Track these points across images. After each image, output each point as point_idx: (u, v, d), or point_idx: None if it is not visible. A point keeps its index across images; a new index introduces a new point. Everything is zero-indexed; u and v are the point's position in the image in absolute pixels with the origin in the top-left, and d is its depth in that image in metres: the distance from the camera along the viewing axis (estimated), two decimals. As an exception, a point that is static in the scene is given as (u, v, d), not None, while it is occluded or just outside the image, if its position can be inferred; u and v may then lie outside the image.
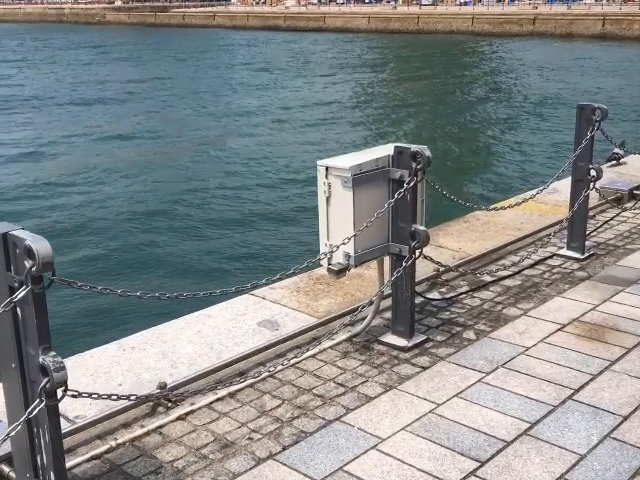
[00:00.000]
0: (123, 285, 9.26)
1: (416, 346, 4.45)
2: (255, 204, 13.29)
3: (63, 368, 2.75)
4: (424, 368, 4.20)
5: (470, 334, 4.64)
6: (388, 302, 4.79)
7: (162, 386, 3.95)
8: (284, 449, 3.46)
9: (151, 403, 3.96)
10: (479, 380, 4.03)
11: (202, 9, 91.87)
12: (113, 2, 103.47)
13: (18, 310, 2.80)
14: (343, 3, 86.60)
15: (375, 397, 3.89)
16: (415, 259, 4.31)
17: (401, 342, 4.45)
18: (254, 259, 9.51)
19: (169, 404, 3.95)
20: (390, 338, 4.52)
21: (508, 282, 5.55)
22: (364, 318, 4.65)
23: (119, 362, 4.46)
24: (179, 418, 3.81)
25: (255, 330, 4.84)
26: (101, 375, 4.30)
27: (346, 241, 3.98)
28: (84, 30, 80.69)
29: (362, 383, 4.05)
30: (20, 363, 2.88)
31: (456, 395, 3.89)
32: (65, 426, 3.56)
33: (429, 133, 19.45)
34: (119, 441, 3.59)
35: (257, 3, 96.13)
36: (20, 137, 20.62)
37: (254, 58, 44.14)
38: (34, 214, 13.02)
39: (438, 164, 13.73)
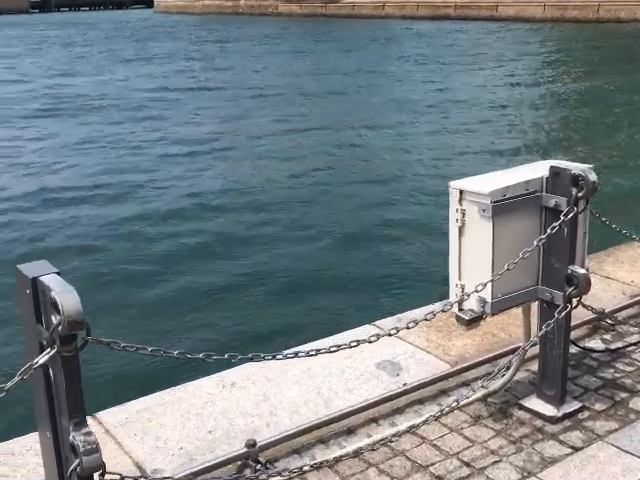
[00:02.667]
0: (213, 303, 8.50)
1: (567, 416, 3.57)
2: (382, 216, 11.73)
3: (95, 450, 2.20)
4: (575, 449, 3.32)
5: None
6: (536, 347, 3.93)
7: (251, 444, 3.35)
8: None
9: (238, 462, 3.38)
10: (649, 475, 3.11)
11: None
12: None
13: (50, 371, 2.28)
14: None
15: (508, 487, 3.08)
16: (571, 309, 3.43)
17: (548, 410, 3.58)
18: (378, 284, 8.41)
19: (257, 466, 3.35)
20: (534, 403, 3.66)
21: (694, 332, 4.48)
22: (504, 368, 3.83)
23: (214, 402, 3.92)
24: (264, 488, 3.20)
25: (372, 373, 4.14)
26: (192, 417, 3.77)
27: (480, 287, 3.18)
28: (257, 21, 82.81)
29: (493, 464, 3.24)
30: (54, 433, 2.37)
31: (616, 496, 3.00)
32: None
33: (600, 149, 16.23)
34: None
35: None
36: (195, 131, 20.64)
37: (421, 49, 43.03)
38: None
39: (609, 183, 11.74)
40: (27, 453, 3.48)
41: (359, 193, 13.15)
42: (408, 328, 3.34)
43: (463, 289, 3.42)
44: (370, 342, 3.29)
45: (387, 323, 4.79)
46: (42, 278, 2.20)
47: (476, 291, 3.17)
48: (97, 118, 22.70)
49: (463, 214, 3.35)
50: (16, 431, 3.78)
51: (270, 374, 4.20)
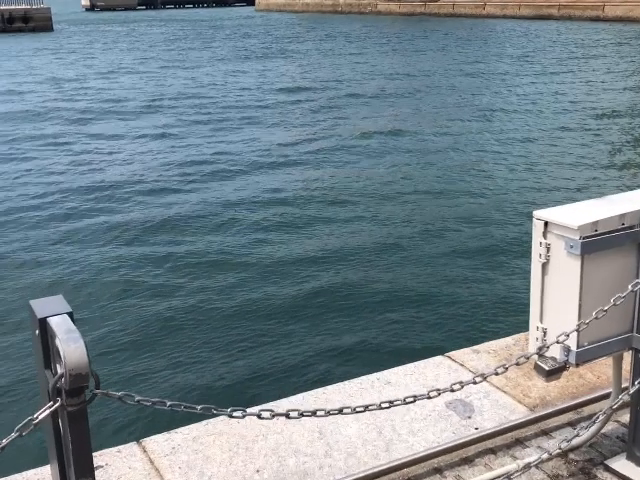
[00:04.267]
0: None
1: (661, 485, 3.10)
2: (460, 234, 10.76)
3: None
4: (669, 527, 2.86)
5: None
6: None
7: (298, 493, 3.06)
8: None
9: (284, 510, 3.09)
10: None
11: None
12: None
13: (60, 422, 2.04)
14: (627, -11, 79.65)
15: None
16: (670, 362, 2.97)
17: (639, 475, 3.12)
18: (452, 310, 7.72)
19: (304, 518, 3.05)
20: (623, 465, 3.20)
21: None
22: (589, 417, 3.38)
23: (266, 436, 3.64)
24: None
25: (440, 414, 3.76)
26: (241, 452, 3.51)
27: (563, 338, 2.76)
28: (356, 20, 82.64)
29: (570, 537, 2.82)
30: (65, 489, 2.13)
31: None
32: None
33: None
34: None
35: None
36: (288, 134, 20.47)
37: (522, 50, 41.75)
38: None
39: None
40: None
41: (435, 207, 12.34)
42: (483, 378, 2.94)
43: (545, 333, 3.01)
44: (453, 391, 2.90)
45: (461, 355, 4.40)
46: (51, 319, 1.96)
47: (557, 341, 2.75)
48: (195, 117, 22.92)
49: (547, 249, 2.94)
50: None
51: (329, 407, 3.88)
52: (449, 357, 4.38)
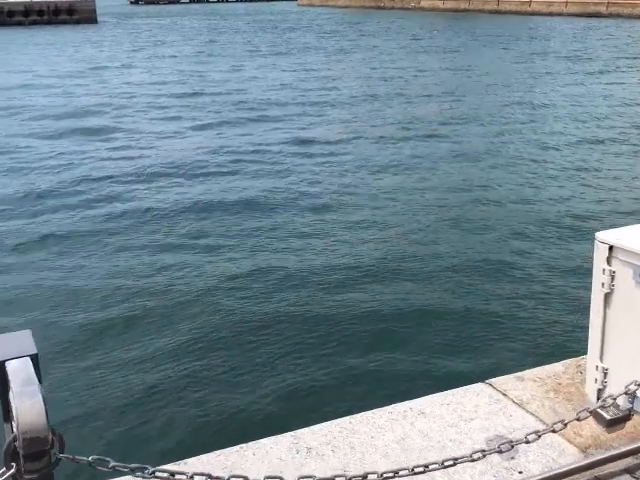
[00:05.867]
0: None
1: None
2: (508, 250, 9.74)
3: None
4: None
5: None
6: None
7: None
8: None
9: None
10: None
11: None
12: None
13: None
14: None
15: None
16: None
17: None
18: (496, 335, 6.88)
19: None
20: (693, 528, 2.77)
21: None
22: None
23: (283, 473, 3.26)
24: None
25: (477, 455, 3.34)
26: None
27: (634, 387, 2.34)
28: (400, 15, 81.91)
29: None
30: None
31: None
32: None
33: None
34: None
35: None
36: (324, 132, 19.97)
37: (568, 49, 40.74)
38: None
39: None
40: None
41: (477, 218, 11.27)
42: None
43: (605, 374, 2.59)
44: (501, 452, 2.50)
45: (504, 383, 3.98)
46: (9, 364, 1.60)
47: (627, 392, 2.33)
48: (232, 115, 22.54)
49: (612, 277, 2.52)
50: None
51: (356, 439, 3.51)
52: (490, 385, 3.96)
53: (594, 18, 67.23)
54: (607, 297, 2.56)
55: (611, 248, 2.51)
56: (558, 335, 6.67)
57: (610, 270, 2.51)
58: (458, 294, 8.31)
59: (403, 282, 8.72)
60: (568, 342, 6.20)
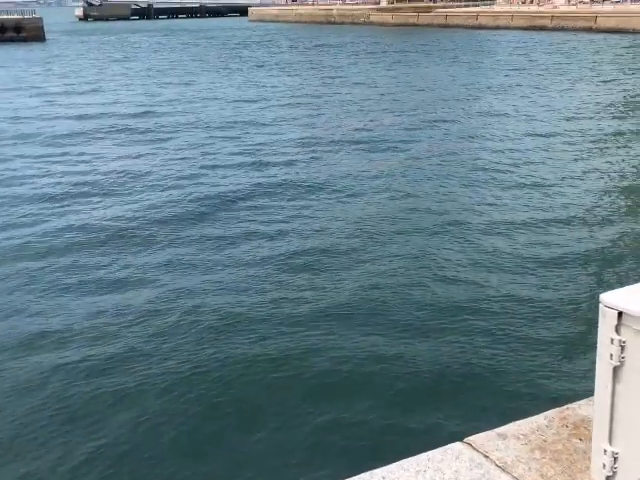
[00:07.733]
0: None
1: None
2: (498, 284, 9.03)
3: None
4: None
5: None
6: None
7: None
8: None
9: None
10: None
11: (465, 9, 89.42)
12: (379, 3, 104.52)
13: None
14: (619, 1, 79.42)
15: None
16: None
17: None
18: (472, 385, 6.14)
19: None
20: None
21: None
22: None
23: None
24: None
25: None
26: None
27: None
28: (349, 30, 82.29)
29: None
30: None
31: None
32: None
33: None
34: None
35: (523, 2, 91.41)
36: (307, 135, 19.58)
37: (517, 62, 41.17)
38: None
39: None
40: None
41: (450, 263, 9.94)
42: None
43: (615, 459, 2.23)
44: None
45: (485, 441, 3.60)
46: None
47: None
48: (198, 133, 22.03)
49: (622, 348, 2.16)
50: None
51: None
52: (470, 444, 3.57)
53: (539, 31, 68.42)
54: (616, 370, 2.20)
55: (620, 315, 2.15)
56: (540, 384, 6.20)
57: (620, 340, 2.16)
58: (429, 340, 7.62)
59: (367, 327, 7.99)
60: (549, 391, 5.84)
